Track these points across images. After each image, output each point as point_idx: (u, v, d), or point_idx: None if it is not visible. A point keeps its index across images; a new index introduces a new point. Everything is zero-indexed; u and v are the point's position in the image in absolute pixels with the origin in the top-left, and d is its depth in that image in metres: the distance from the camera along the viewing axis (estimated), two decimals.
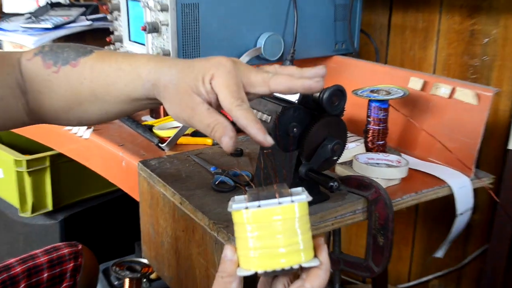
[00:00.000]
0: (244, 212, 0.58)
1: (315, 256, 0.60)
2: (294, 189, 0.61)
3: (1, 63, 0.76)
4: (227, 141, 0.63)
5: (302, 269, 0.60)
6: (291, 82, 0.67)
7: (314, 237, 0.61)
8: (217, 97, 0.65)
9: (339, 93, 0.81)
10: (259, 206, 0.57)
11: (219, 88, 0.65)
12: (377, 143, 1.10)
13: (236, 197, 0.62)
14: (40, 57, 0.77)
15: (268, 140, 0.63)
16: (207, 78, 0.65)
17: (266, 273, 0.58)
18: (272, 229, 0.57)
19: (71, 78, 0.75)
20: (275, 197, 0.58)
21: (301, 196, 0.58)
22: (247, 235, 0.58)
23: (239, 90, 0.65)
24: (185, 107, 0.66)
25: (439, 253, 1.16)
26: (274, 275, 0.63)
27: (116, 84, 0.73)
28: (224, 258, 0.61)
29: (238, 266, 0.60)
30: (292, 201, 0.58)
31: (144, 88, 0.71)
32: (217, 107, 0.67)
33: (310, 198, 0.59)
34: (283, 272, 0.58)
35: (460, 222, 1.06)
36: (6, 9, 1.95)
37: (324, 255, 0.60)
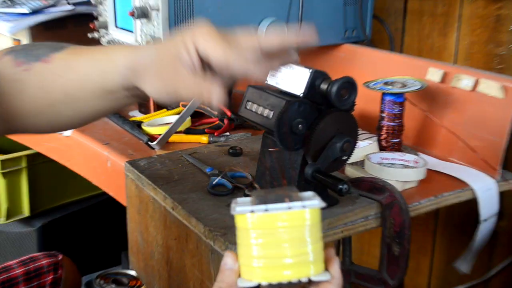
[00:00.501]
0: (249, 216, 0.57)
1: (326, 269, 0.60)
2: (304, 193, 0.61)
3: None
4: (218, 98, 0.68)
5: (310, 282, 0.60)
6: (282, 38, 0.72)
7: (325, 248, 0.61)
8: (202, 59, 0.69)
9: (349, 86, 0.81)
10: (266, 210, 0.57)
11: (204, 43, 0.69)
12: (392, 141, 1.11)
13: (239, 199, 0.62)
14: (12, 56, 0.78)
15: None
16: (188, 39, 0.69)
17: (270, 286, 0.58)
18: (279, 236, 0.57)
19: (43, 76, 0.76)
20: (284, 201, 0.57)
21: (314, 202, 0.57)
22: (251, 242, 0.58)
23: (225, 36, 0.70)
24: (168, 79, 0.71)
25: (463, 267, 1.15)
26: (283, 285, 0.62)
27: (90, 75, 0.75)
28: (224, 266, 0.61)
29: (239, 276, 0.60)
30: (304, 207, 0.57)
31: (121, 75, 0.74)
32: (201, 69, 0.71)
33: (323, 205, 0.58)
34: (290, 285, 0.58)
35: (484, 230, 1.06)
36: None
37: (335, 268, 0.60)
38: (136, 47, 0.76)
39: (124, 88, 0.75)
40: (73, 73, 0.76)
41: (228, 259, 0.61)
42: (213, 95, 0.68)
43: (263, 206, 0.57)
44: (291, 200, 0.57)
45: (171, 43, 0.72)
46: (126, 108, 0.83)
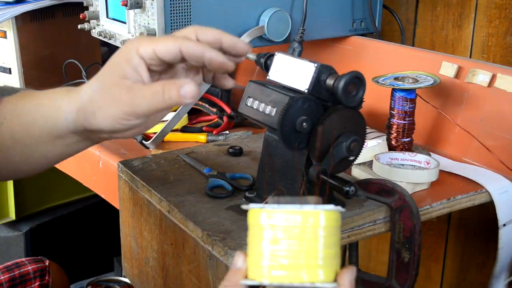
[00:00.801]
0: (262, 212, 0.59)
1: (336, 280, 0.61)
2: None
3: None
4: (189, 87, 0.68)
5: None
6: (204, 49, 0.72)
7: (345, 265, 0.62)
8: (147, 72, 0.72)
9: (356, 81, 0.82)
10: (278, 207, 0.59)
11: (151, 46, 0.71)
12: (402, 140, 1.11)
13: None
14: None
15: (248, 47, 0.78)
16: (132, 53, 0.71)
17: (274, 287, 0.60)
18: (289, 236, 0.59)
19: None
20: (297, 204, 0.59)
21: (329, 206, 0.59)
22: (260, 239, 0.59)
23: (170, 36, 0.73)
24: (119, 98, 0.71)
25: (499, 287, 1.13)
26: None
27: (36, 121, 0.76)
28: (233, 266, 0.63)
29: (246, 275, 0.62)
30: (317, 208, 0.59)
31: (67, 120, 0.75)
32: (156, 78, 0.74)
33: (341, 209, 0.60)
34: None
35: (507, 236, 1.05)
36: None
37: (346, 278, 0.61)
38: (79, 88, 0.76)
39: (72, 133, 0.76)
40: (20, 118, 0.77)
41: (236, 258, 0.63)
42: (182, 90, 0.68)
43: (275, 204, 0.59)
44: (305, 203, 0.59)
45: (112, 67, 0.73)
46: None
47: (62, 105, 0.75)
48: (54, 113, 0.75)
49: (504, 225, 1.04)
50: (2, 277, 1.28)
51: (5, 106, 0.79)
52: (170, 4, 1.15)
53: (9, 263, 1.33)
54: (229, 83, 0.81)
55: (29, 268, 1.32)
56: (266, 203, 0.61)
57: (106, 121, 0.72)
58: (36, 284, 1.32)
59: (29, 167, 0.82)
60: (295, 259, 0.58)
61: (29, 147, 0.78)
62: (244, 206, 0.61)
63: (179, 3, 1.16)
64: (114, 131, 0.73)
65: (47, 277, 1.34)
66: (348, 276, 0.61)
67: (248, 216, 0.61)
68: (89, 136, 0.77)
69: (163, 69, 0.75)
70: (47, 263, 1.36)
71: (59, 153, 0.80)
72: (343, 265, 0.66)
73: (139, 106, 0.70)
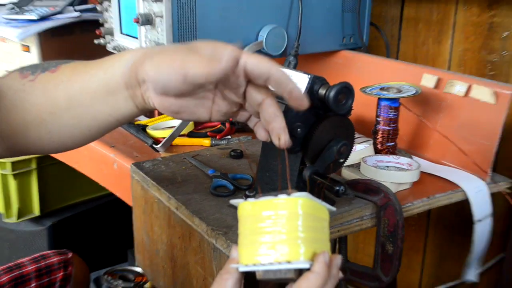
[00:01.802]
0: (244, 204, 0.61)
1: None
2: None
3: None
4: (231, 53, 0.64)
5: (299, 273, 0.62)
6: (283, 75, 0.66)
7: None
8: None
9: (346, 91, 0.82)
10: (259, 199, 0.61)
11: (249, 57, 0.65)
12: (387, 144, 1.11)
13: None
14: (18, 71, 0.77)
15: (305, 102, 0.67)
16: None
17: (262, 273, 0.60)
18: (271, 223, 0.60)
19: (47, 83, 0.75)
20: (276, 196, 0.61)
21: (301, 193, 0.60)
22: (247, 228, 0.61)
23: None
24: (175, 56, 0.66)
25: (471, 276, 1.13)
26: (274, 278, 0.64)
27: (95, 75, 0.73)
28: (229, 257, 0.65)
29: (239, 262, 0.63)
30: (292, 196, 0.60)
31: (125, 68, 0.71)
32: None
33: (311, 197, 0.61)
34: (280, 274, 0.60)
35: (480, 231, 1.05)
36: None
37: (319, 258, 0.61)
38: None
39: (125, 86, 0.71)
40: (78, 76, 0.74)
41: (233, 251, 0.65)
42: (233, 52, 0.63)
43: (256, 198, 0.61)
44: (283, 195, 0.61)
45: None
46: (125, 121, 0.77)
47: (124, 55, 0.72)
48: (115, 61, 0.72)
49: (479, 220, 1.04)
50: (30, 268, 1.28)
51: (63, 70, 0.75)
52: (178, 21, 1.15)
53: (36, 255, 1.32)
54: (262, 135, 0.73)
55: (54, 259, 1.32)
56: (247, 198, 0.62)
57: (154, 69, 0.67)
58: (60, 274, 1.32)
59: (77, 134, 0.76)
60: (278, 243, 0.59)
61: (83, 107, 0.74)
62: (232, 201, 0.63)
63: (185, 21, 1.16)
64: (158, 79, 0.67)
65: (70, 268, 1.34)
66: (323, 256, 0.61)
67: (238, 210, 0.63)
68: (135, 93, 0.72)
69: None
70: (70, 255, 1.36)
71: (107, 115, 0.74)
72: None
73: (188, 67, 0.65)
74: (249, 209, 0.61)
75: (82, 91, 0.73)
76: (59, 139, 0.77)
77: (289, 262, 0.59)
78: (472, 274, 1.13)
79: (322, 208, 0.63)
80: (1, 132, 0.76)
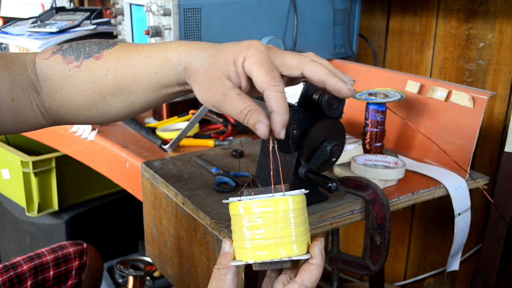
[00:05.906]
0: (238, 203, 0.59)
1: (308, 251, 0.60)
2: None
3: (11, 64, 0.74)
4: (263, 128, 0.59)
5: (294, 263, 0.61)
6: (327, 75, 0.64)
7: (314, 238, 0.61)
8: (248, 81, 0.63)
9: (338, 97, 0.81)
10: (252, 198, 0.59)
11: (251, 67, 0.61)
12: (375, 145, 1.11)
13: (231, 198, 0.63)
14: (60, 54, 0.74)
15: (282, 135, 0.60)
16: (239, 60, 0.62)
17: (259, 265, 0.59)
18: (264, 220, 0.58)
19: (95, 71, 0.72)
20: (271, 193, 0.59)
21: (295, 191, 0.59)
22: (241, 226, 0.59)
23: (272, 68, 0.61)
24: (215, 92, 0.63)
25: (453, 265, 1.13)
26: (269, 269, 0.63)
27: (145, 72, 0.70)
28: (222, 251, 0.62)
29: (234, 258, 0.61)
30: (284, 195, 0.59)
31: (176, 72, 0.68)
32: (248, 92, 0.64)
33: (304, 191, 0.60)
34: (276, 265, 0.59)
35: (461, 223, 1.05)
36: (3, 13, 1.94)
37: (316, 250, 0.60)
38: (189, 44, 0.69)
39: (177, 84, 0.70)
40: (127, 69, 0.71)
41: (225, 245, 0.63)
42: (258, 126, 0.60)
43: (250, 196, 0.59)
44: (277, 192, 0.60)
45: (222, 59, 0.63)
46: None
47: (173, 58, 0.68)
48: (164, 64, 0.69)
49: (459, 214, 1.04)
50: (49, 257, 1.27)
51: (108, 59, 0.72)
52: (184, 33, 1.15)
53: (54, 246, 1.32)
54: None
55: (70, 250, 1.32)
56: (242, 195, 0.61)
57: (200, 96, 0.65)
58: (76, 263, 1.31)
59: (130, 112, 0.75)
60: (272, 239, 0.58)
61: (135, 94, 0.72)
62: (224, 201, 0.61)
63: (191, 32, 1.16)
64: (203, 104, 0.66)
65: (85, 257, 1.33)
66: (318, 248, 0.60)
67: (229, 209, 0.61)
68: (188, 88, 0.70)
69: None
70: (85, 246, 1.35)
71: (161, 99, 0.72)
72: (326, 247, 0.66)
73: (224, 110, 0.63)
74: (241, 207, 0.60)
75: (133, 83, 0.71)
76: (109, 116, 0.76)
77: (286, 256, 0.58)
78: (454, 265, 1.13)
79: (303, 198, 0.61)
80: (48, 109, 0.75)
